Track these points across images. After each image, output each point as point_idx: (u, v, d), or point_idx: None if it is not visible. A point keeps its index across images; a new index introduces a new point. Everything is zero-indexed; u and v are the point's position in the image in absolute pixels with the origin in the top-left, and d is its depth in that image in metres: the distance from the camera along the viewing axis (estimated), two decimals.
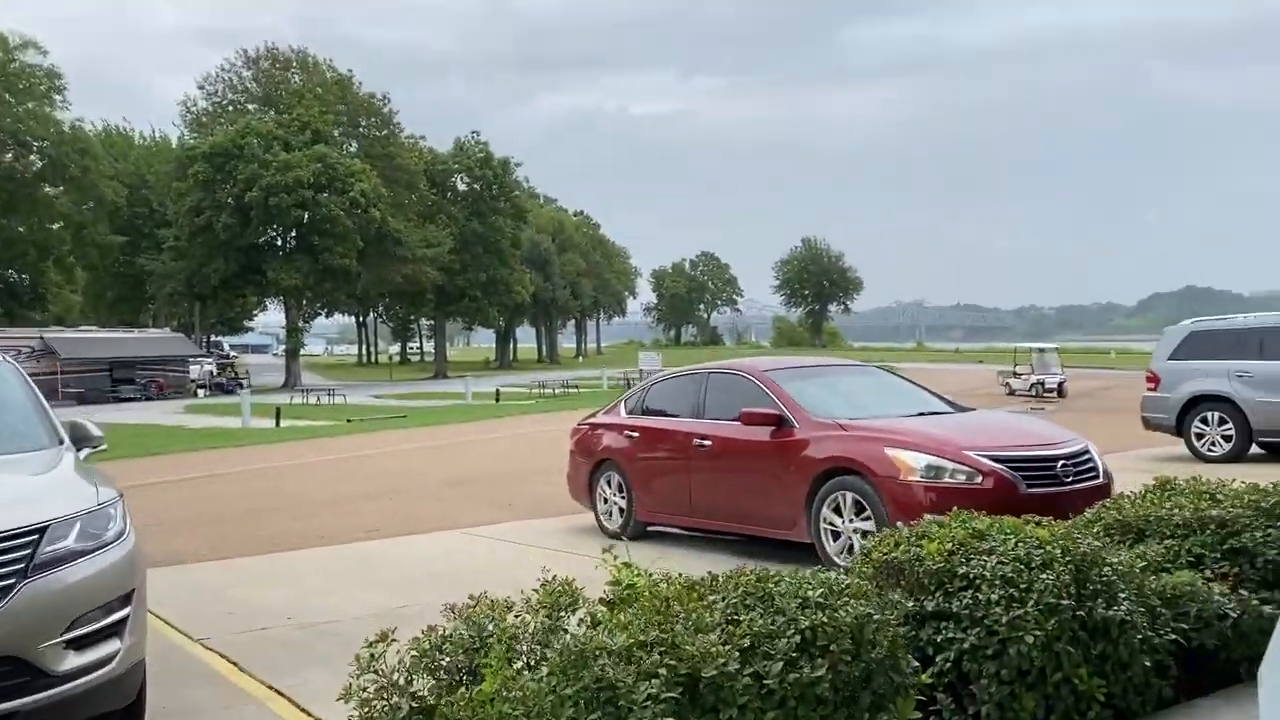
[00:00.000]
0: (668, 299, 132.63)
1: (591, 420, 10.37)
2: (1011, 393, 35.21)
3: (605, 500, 9.68)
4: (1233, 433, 14.14)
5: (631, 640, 3.29)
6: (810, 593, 3.59)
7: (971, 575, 4.08)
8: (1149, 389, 15.42)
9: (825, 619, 3.45)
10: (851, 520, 7.38)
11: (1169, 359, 15.17)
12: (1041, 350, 38.47)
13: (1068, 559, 4.20)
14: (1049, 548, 4.23)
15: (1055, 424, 8.25)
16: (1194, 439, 14.55)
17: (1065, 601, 3.98)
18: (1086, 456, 7.40)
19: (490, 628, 3.56)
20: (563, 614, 3.73)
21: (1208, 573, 4.79)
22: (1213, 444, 14.34)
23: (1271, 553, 4.84)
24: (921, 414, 8.23)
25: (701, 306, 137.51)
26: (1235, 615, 4.43)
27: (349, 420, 31.41)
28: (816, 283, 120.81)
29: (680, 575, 3.99)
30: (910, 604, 4.10)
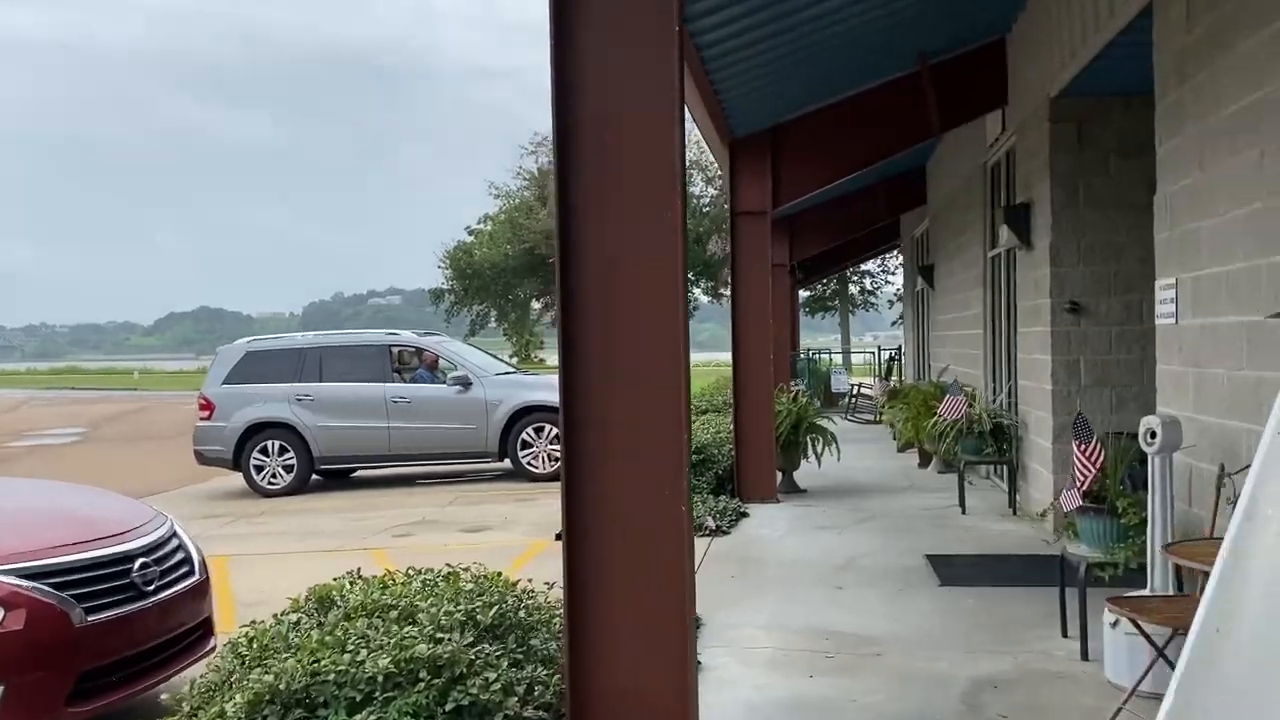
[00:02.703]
0: None
1: None
2: None
3: None
4: (294, 462, 12.98)
5: None
6: None
7: None
8: (202, 418, 13.41)
9: None
10: None
11: (224, 383, 13.38)
12: None
13: None
14: None
15: (118, 494, 5.56)
16: (254, 472, 13.00)
17: None
18: (175, 544, 4.95)
19: None
20: None
21: None
22: (274, 476, 12.97)
23: (512, 701, 3.13)
24: None
25: None
26: None
27: None
28: None
29: None
30: None
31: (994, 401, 9.58)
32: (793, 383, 18.98)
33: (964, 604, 5.92)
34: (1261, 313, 4.07)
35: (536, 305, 56.79)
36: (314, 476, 13.24)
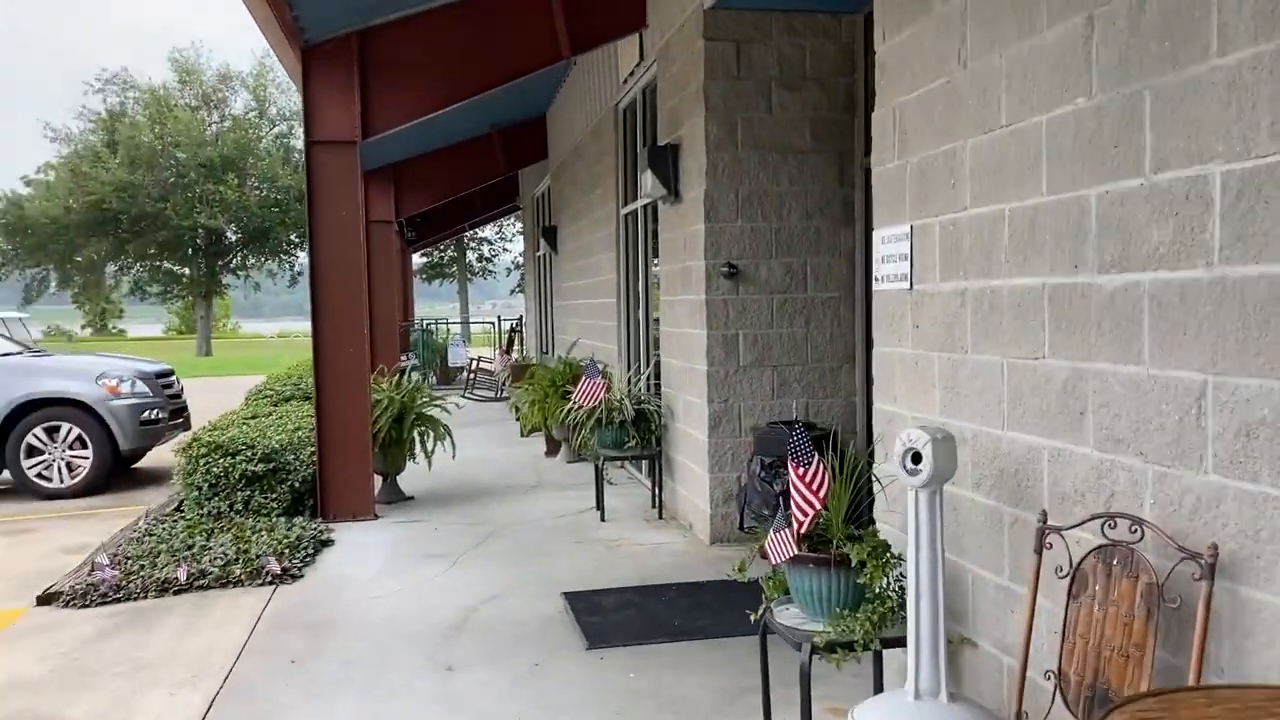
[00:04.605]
0: None
1: None
2: None
3: None
4: None
5: None
6: None
7: None
8: None
9: None
10: None
11: None
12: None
13: None
14: None
15: None
16: None
17: None
18: None
19: None
20: None
21: None
22: None
23: None
24: None
25: None
26: None
27: None
28: None
29: None
30: None
31: (632, 383, 8.09)
32: (404, 356, 16.78)
33: (623, 684, 4.22)
34: (1082, 269, 2.63)
35: (112, 268, 49.26)
36: None
